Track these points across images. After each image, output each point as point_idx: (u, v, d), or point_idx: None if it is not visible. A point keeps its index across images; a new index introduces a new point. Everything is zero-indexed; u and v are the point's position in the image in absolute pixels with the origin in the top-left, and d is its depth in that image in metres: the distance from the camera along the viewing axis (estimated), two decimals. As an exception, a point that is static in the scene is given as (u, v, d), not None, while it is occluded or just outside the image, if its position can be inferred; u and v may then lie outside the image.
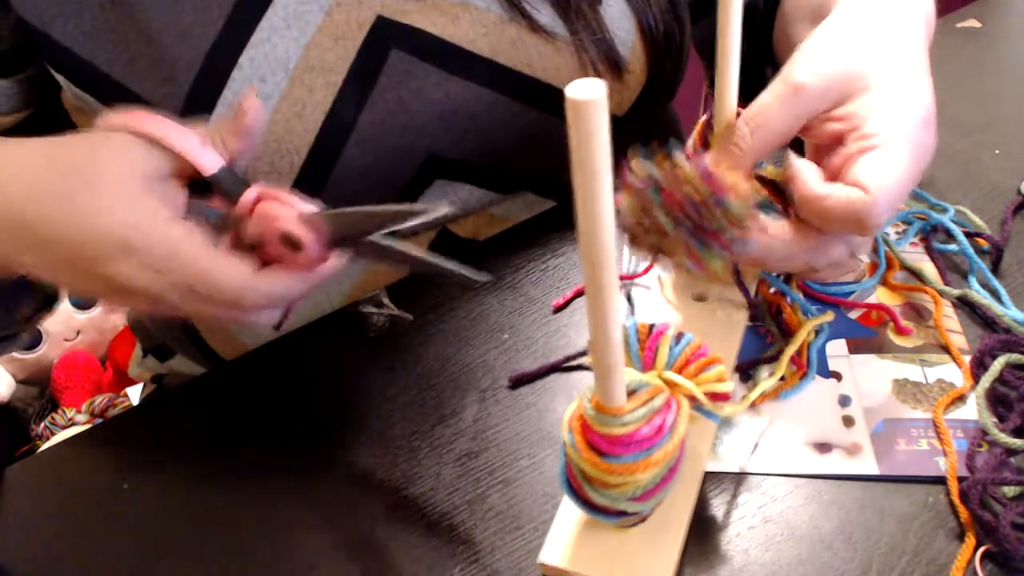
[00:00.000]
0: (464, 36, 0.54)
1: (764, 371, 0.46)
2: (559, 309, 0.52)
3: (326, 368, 0.52)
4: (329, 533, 0.42)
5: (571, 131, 0.25)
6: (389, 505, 0.42)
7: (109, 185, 0.41)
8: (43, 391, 1.32)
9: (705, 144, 0.45)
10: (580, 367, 0.48)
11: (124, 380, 1.26)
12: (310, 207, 0.43)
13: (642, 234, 0.41)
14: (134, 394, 1.20)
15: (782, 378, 0.45)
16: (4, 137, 0.44)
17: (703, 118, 0.46)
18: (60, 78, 0.51)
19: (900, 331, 0.47)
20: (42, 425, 1.20)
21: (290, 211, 0.43)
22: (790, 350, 0.45)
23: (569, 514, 0.39)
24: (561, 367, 0.48)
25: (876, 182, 0.39)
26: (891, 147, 0.39)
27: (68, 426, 1.18)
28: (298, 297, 0.44)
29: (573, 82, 0.24)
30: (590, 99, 0.24)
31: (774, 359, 0.46)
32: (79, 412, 1.20)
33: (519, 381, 0.48)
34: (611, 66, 0.56)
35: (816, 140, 0.43)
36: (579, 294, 0.53)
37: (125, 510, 0.45)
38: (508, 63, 0.55)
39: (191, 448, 0.48)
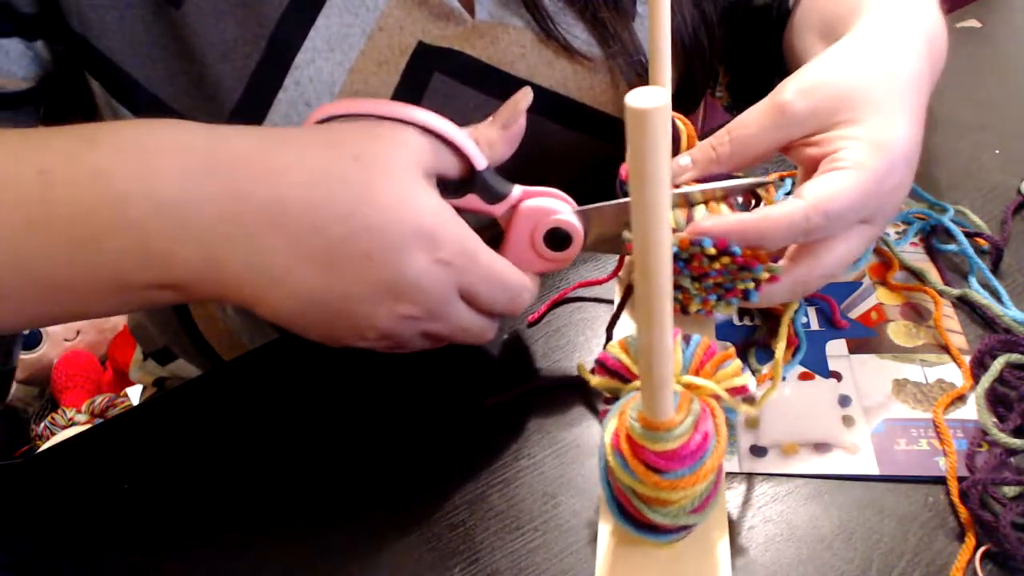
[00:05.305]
0: (503, 58, 0.54)
1: (752, 356, 0.47)
2: (532, 324, 0.52)
3: (326, 368, 0.52)
4: (328, 532, 0.42)
5: (630, 141, 0.24)
6: (389, 505, 0.42)
7: (402, 174, 0.38)
8: (43, 391, 1.32)
9: None
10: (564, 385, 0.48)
11: (124, 380, 1.26)
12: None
13: None
14: (134, 394, 1.19)
15: (782, 379, 0.45)
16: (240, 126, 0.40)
17: None
18: (95, 84, 0.50)
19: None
20: (42, 425, 1.20)
21: (566, 205, 0.43)
22: (780, 347, 0.45)
23: (609, 543, 0.38)
24: (555, 386, 0.48)
25: (813, 192, 0.39)
26: (847, 172, 0.39)
27: (68, 426, 1.18)
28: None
29: (633, 91, 0.23)
30: (653, 107, 0.23)
31: (765, 344, 0.47)
32: (79, 412, 1.20)
33: (508, 401, 0.47)
34: (644, 84, 0.57)
35: (795, 161, 0.44)
36: (552, 306, 0.53)
37: (125, 510, 0.45)
38: (545, 83, 0.55)
39: (191, 448, 0.48)
